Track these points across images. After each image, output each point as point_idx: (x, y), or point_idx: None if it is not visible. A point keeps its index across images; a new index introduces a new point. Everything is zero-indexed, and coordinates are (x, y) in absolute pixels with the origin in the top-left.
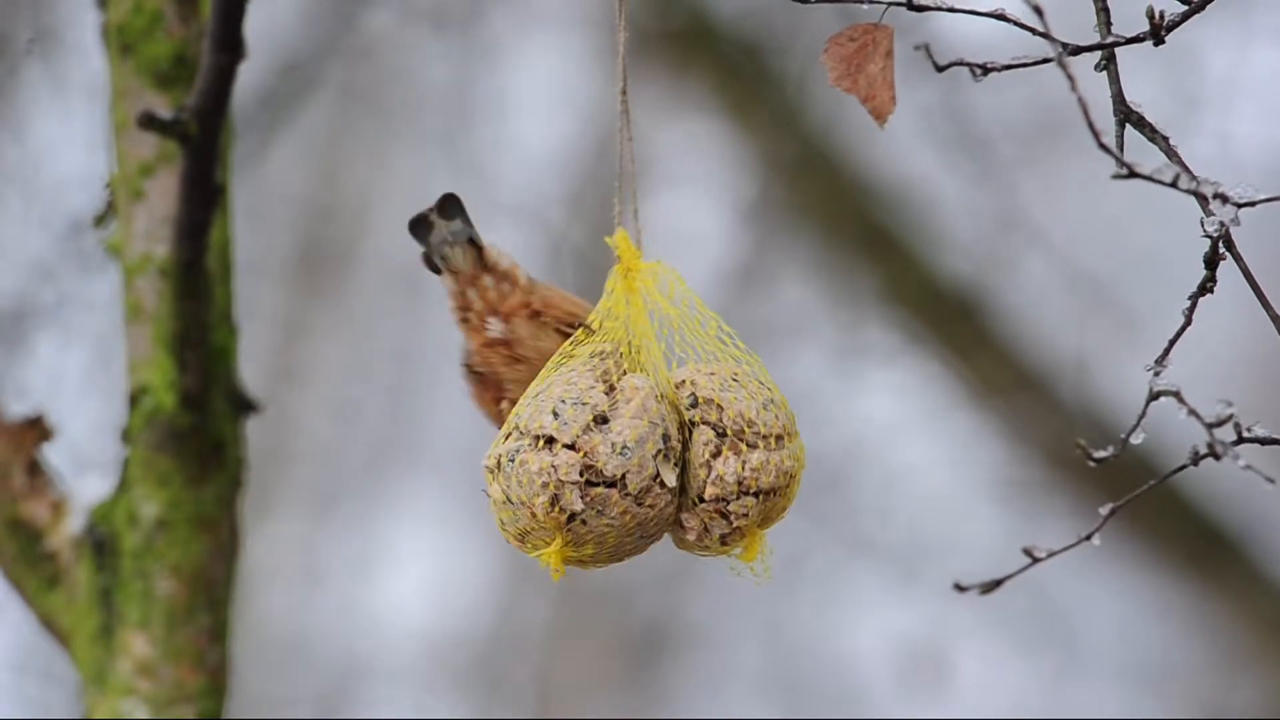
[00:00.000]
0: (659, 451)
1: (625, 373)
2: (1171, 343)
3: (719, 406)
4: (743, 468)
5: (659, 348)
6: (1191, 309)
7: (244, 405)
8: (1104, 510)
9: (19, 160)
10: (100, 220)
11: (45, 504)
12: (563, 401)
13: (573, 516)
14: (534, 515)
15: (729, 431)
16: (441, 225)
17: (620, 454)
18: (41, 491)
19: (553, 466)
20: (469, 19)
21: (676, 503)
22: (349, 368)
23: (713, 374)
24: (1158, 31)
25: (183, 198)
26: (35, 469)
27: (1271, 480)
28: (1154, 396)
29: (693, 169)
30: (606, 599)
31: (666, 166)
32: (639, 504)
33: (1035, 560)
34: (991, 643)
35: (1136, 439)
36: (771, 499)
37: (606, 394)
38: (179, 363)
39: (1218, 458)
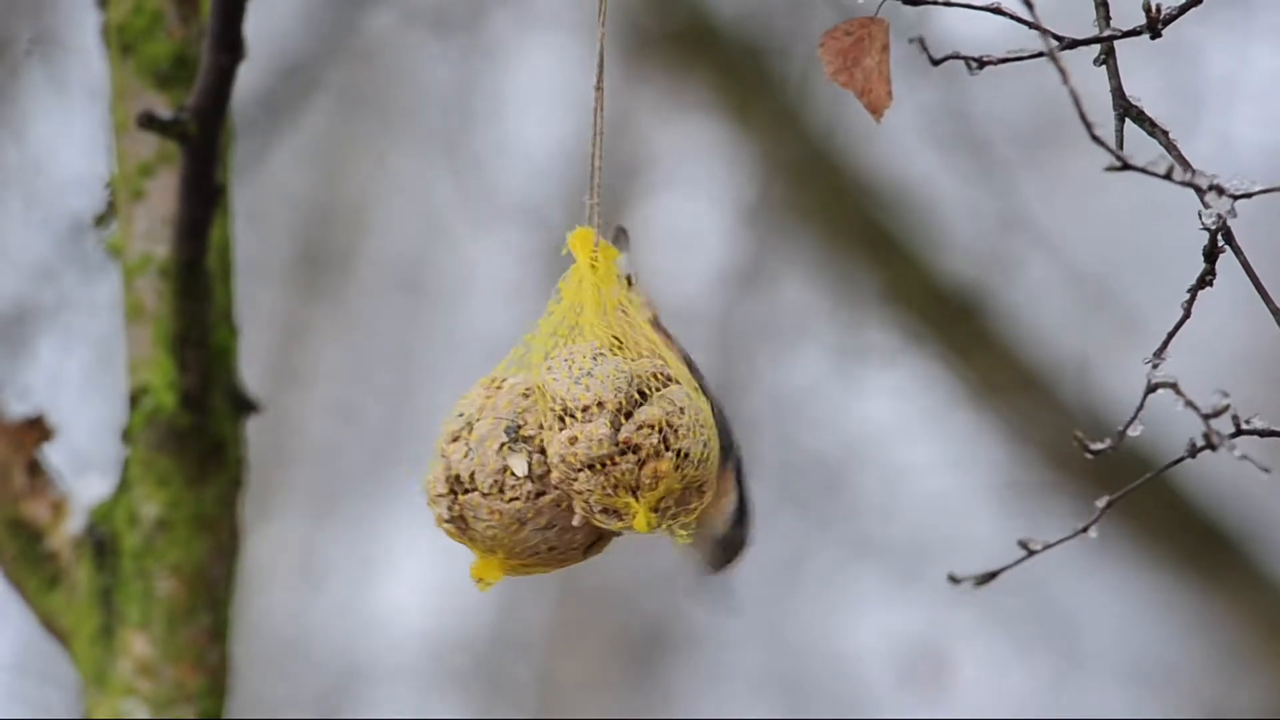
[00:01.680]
0: (502, 444)
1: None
2: (1170, 335)
3: (541, 390)
4: (567, 444)
5: (570, 339)
6: (1190, 302)
7: (244, 405)
8: (1100, 503)
9: (19, 161)
10: (100, 220)
11: (45, 504)
12: (459, 415)
13: (463, 527)
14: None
15: (549, 412)
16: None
17: (466, 456)
18: (42, 491)
19: (431, 480)
20: (470, 20)
21: (563, 491)
22: (349, 368)
23: (568, 359)
24: (1155, 25)
25: (183, 198)
26: (35, 469)
27: (1267, 469)
28: (1152, 388)
29: (693, 169)
30: (607, 599)
31: (666, 166)
32: (503, 500)
33: (1031, 553)
34: (992, 643)
35: (1134, 431)
36: (612, 469)
37: (487, 399)
38: (179, 363)
39: (1214, 449)
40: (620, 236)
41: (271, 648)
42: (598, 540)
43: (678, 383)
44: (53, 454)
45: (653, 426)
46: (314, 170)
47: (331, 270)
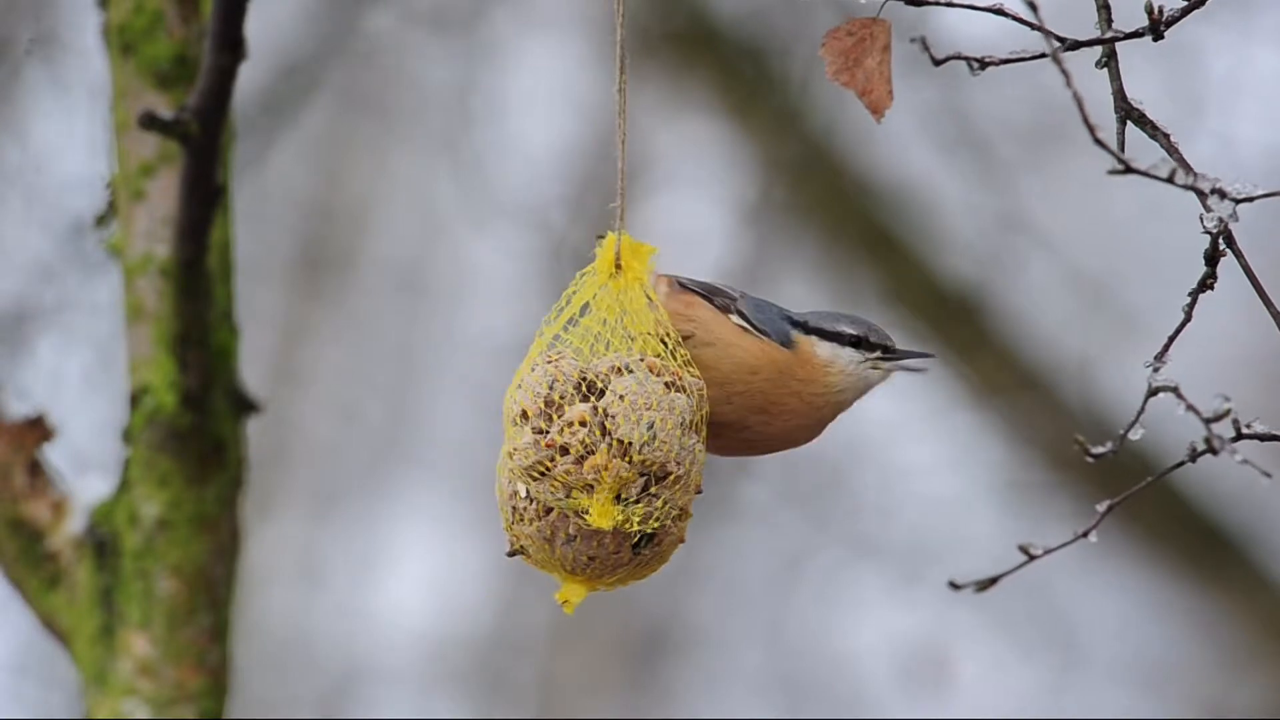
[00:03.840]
0: (509, 469)
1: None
2: (1171, 339)
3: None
4: (507, 458)
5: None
6: (1192, 305)
7: (245, 405)
8: (1101, 507)
9: (20, 161)
10: (101, 220)
11: (46, 504)
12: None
13: (527, 556)
14: None
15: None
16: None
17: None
18: (42, 491)
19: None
20: (470, 21)
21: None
22: (349, 368)
23: (520, 374)
24: (1157, 27)
25: (183, 198)
26: (36, 469)
27: (1268, 474)
28: (1153, 392)
29: (694, 169)
30: (608, 600)
31: (668, 167)
32: (525, 524)
33: (1031, 558)
34: (992, 643)
35: (1135, 435)
36: (553, 471)
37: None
38: (180, 363)
39: (1215, 453)
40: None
41: (271, 648)
42: (645, 540)
43: (633, 372)
44: (53, 454)
45: (577, 423)
46: (314, 170)
47: (331, 270)
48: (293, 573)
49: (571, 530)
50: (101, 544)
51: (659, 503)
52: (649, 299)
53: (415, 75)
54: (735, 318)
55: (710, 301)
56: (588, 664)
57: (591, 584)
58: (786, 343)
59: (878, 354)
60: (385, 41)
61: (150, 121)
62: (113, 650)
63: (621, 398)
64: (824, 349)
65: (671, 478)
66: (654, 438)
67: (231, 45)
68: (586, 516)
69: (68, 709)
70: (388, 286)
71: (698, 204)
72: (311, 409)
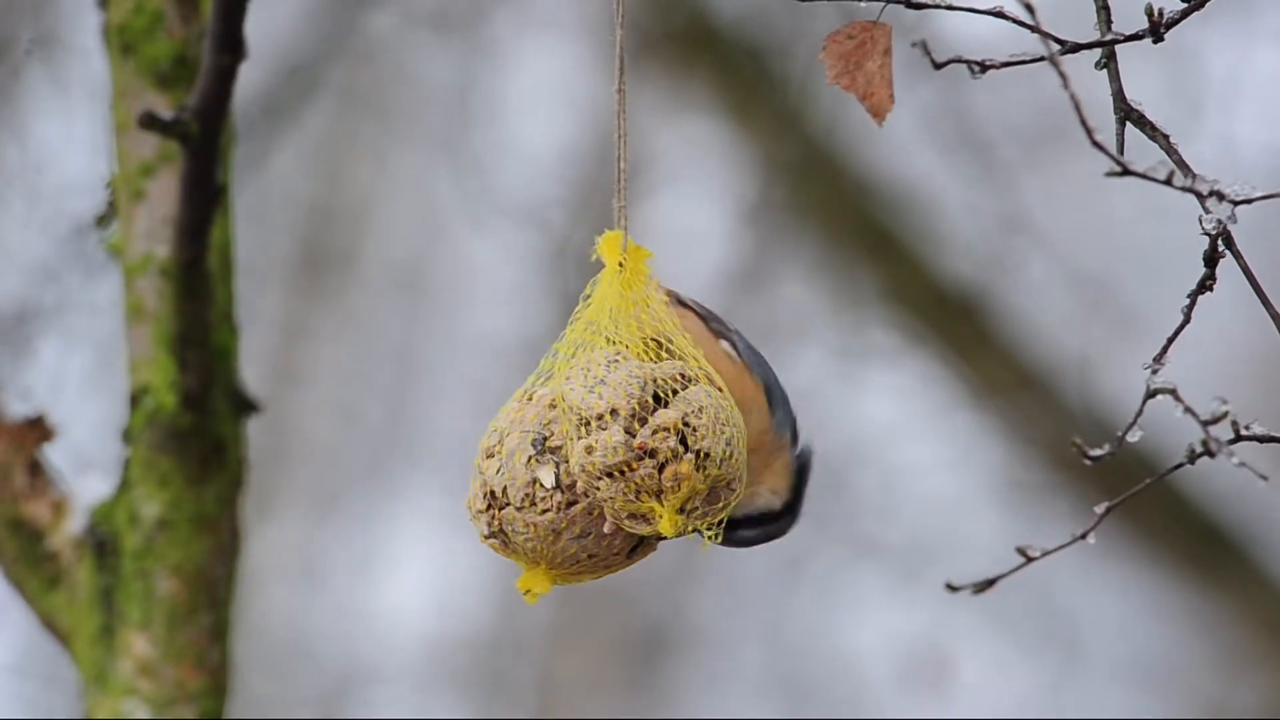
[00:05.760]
0: (530, 457)
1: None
2: (1170, 340)
3: (561, 400)
4: (585, 453)
5: (604, 344)
6: (1191, 307)
7: (245, 405)
8: (1099, 509)
9: (20, 162)
10: (101, 221)
11: (46, 504)
12: (493, 430)
13: (505, 541)
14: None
15: (570, 422)
16: None
17: (499, 472)
18: (42, 491)
19: (471, 497)
20: (471, 21)
21: (593, 499)
22: (350, 368)
23: (585, 368)
24: (1157, 29)
25: (183, 198)
26: (36, 469)
27: (1265, 477)
28: (1151, 394)
29: (694, 170)
30: (608, 600)
31: (667, 167)
32: (536, 512)
33: (1029, 559)
34: (993, 643)
35: (1133, 437)
36: (631, 475)
37: (518, 412)
38: (180, 363)
39: (1213, 455)
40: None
41: (271, 648)
42: (642, 544)
43: (697, 383)
44: (53, 454)
45: (669, 430)
46: (314, 170)
47: (332, 270)
48: (293, 573)
49: (588, 527)
50: (101, 544)
51: (719, 516)
52: (660, 300)
53: (415, 75)
54: (725, 344)
55: (706, 324)
56: (588, 664)
57: (564, 578)
58: (781, 425)
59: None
60: (385, 41)
61: (150, 121)
62: (113, 650)
63: (701, 410)
64: (794, 475)
65: (737, 493)
66: (731, 455)
67: (231, 45)
68: (652, 522)
69: (68, 709)
70: (388, 286)
71: (698, 204)
72: (311, 409)
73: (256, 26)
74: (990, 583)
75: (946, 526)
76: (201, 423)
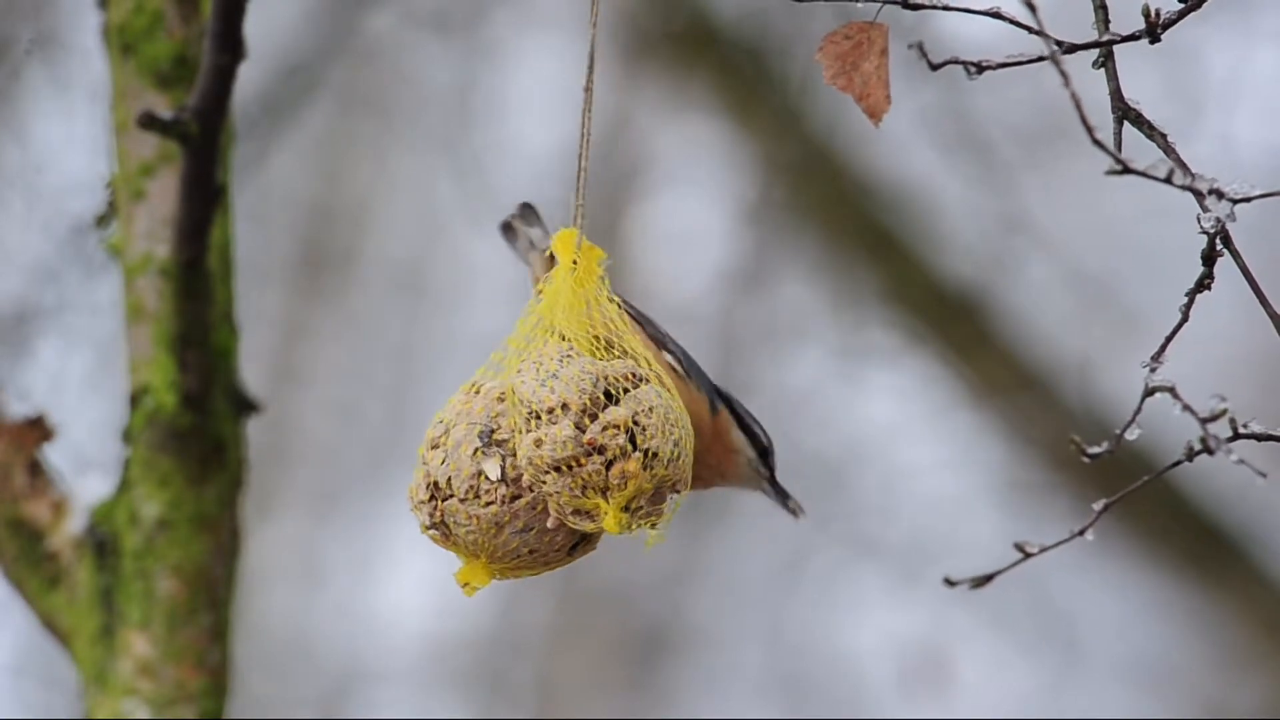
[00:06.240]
0: (476, 449)
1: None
2: (1168, 339)
3: (512, 393)
4: (533, 446)
5: (555, 340)
6: (1189, 305)
7: (245, 405)
8: (1097, 506)
9: (20, 162)
10: (101, 221)
11: (46, 504)
12: (439, 421)
13: (445, 533)
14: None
15: (519, 415)
16: (524, 232)
17: (444, 463)
18: (43, 491)
19: (413, 487)
20: (470, 21)
21: (537, 493)
22: (350, 368)
23: (537, 362)
24: (1154, 29)
25: (183, 198)
26: (37, 469)
27: (1263, 475)
28: (1149, 392)
29: (694, 170)
30: (607, 600)
31: (666, 166)
32: (479, 505)
33: (1027, 555)
34: (992, 643)
35: (1131, 435)
36: (579, 470)
37: (465, 404)
38: (180, 363)
39: (1211, 453)
40: (528, 213)
41: (271, 648)
42: (583, 541)
43: (648, 382)
44: (53, 454)
45: (619, 427)
46: (314, 170)
47: (332, 270)
48: (293, 573)
49: (531, 522)
50: (101, 544)
51: (664, 517)
52: (610, 301)
53: (415, 75)
54: (668, 356)
55: (643, 330)
56: (587, 664)
57: (504, 572)
58: (713, 406)
59: (768, 475)
60: (385, 42)
61: (150, 121)
62: (113, 650)
63: (651, 410)
64: (737, 435)
65: (682, 494)
66: (679, 457)
67: (231, 45)
68: (596, 519)
69: (68, 709)
70: (388, 286)
71: (698, 204)
72: (311, 409)
73: (256, 26)
74: (988, 578)
75: (946, 526)
76: (201, 423)
